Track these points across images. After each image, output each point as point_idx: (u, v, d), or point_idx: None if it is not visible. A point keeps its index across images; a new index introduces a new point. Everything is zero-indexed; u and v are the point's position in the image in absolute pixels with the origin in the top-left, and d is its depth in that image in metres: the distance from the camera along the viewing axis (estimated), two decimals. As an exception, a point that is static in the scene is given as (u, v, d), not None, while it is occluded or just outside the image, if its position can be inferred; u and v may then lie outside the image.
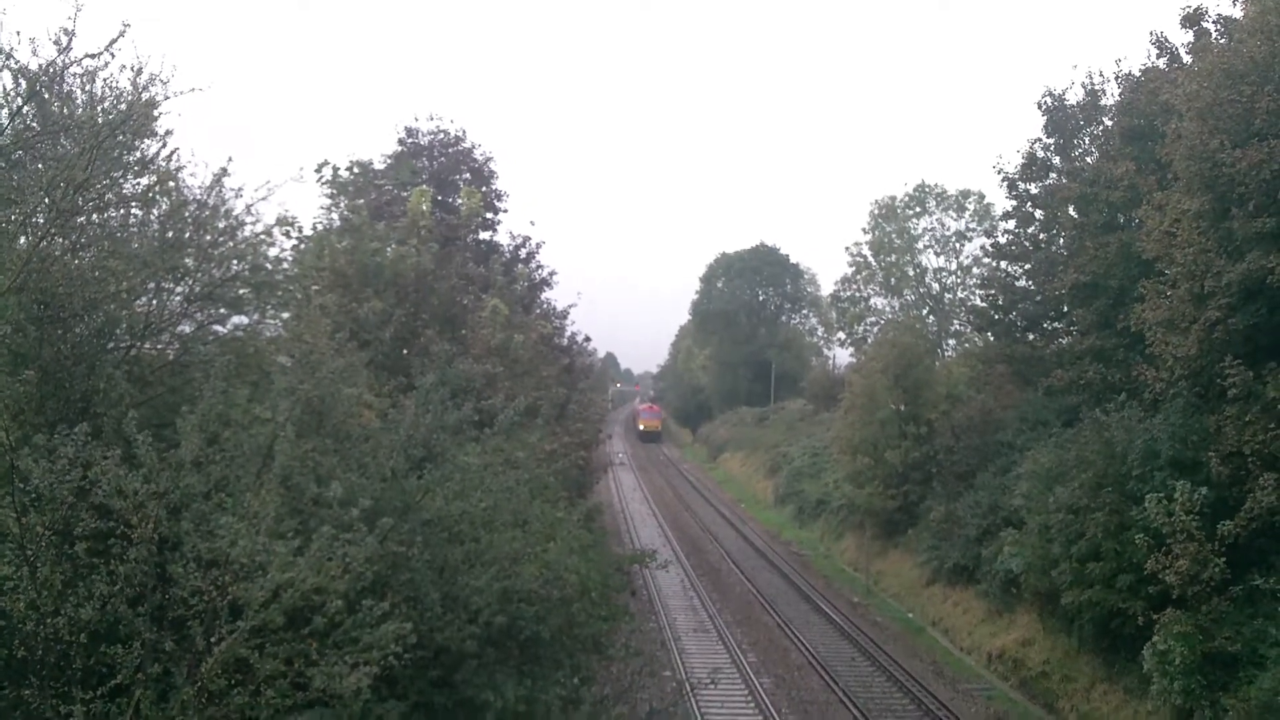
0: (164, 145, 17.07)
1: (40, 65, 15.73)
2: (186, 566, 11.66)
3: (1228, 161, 30.44)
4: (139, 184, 17.22)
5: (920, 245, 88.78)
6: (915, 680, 37.70)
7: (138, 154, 16.94)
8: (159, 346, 16.95)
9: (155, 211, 17.30)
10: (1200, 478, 30.40)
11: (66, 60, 15.72)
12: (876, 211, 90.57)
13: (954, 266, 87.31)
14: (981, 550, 44.24)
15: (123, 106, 16.15)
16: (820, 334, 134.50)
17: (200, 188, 17.54)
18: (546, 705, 15.16)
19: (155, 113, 16.57)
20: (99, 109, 16.18)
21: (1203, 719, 28.55)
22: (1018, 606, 40.54)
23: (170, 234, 16.77)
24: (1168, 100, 37.60)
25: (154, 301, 16.40)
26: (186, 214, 17.11)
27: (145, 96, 16.27)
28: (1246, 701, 27.17)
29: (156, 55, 16.86)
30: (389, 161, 47.66)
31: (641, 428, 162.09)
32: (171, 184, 17.26)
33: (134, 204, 17.24)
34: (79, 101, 16.58)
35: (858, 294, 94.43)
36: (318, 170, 37.82)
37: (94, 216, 16.37)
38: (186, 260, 16.74)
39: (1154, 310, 33.84)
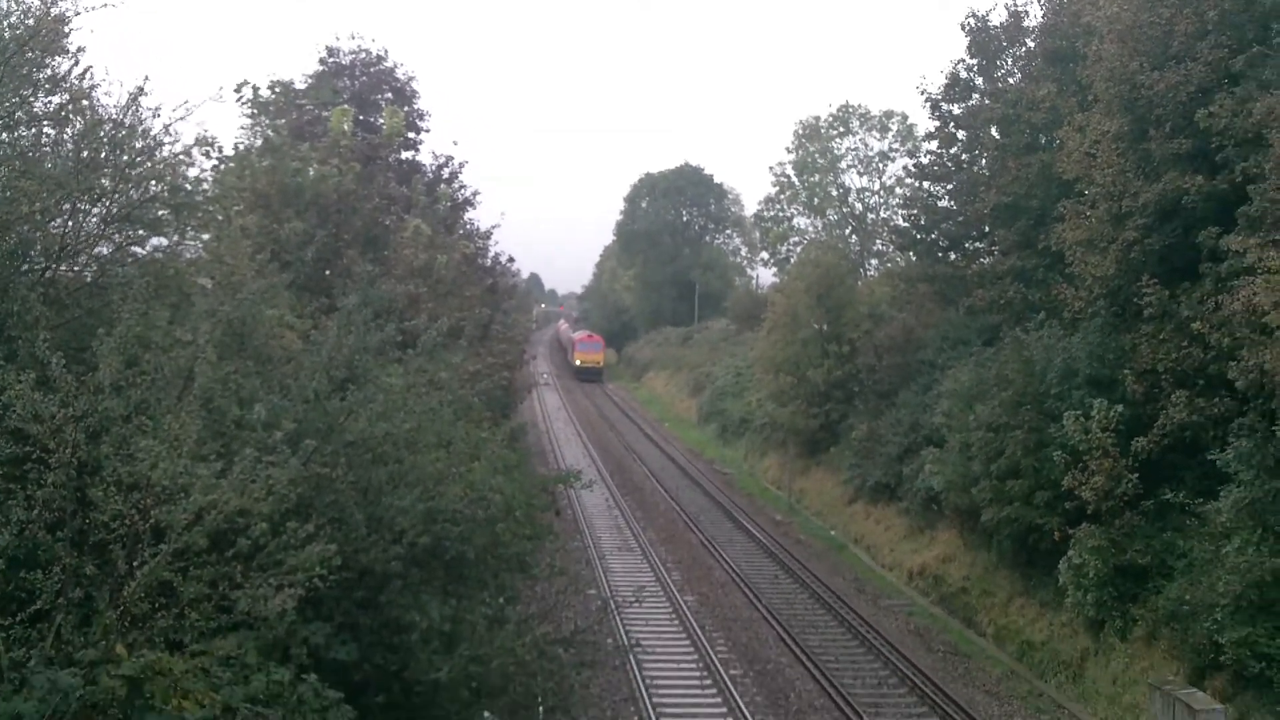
0: (76, 63, 16.62)
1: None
2: (107, 490, 11.51)
3: (1146, 84, 30.78)
4: (50, 102, 16.77)
5: (843, 165, 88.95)
6: (837, 596, 38.29)
7: (48, 71, 16.49)
8: (75, 269, 16.60)
9: (69, 131, 16.85)
10: (1116, 396, 31.03)
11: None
12: (800, 132, 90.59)
13: (877, 187, 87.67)
14: (903, 468, 44.86)
15: (30, 21, 15.70)
16: (744, 254, 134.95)
17: (116, 107, 17.09)
18: (472, 625, 15.19)
19: (66, 29, 16.13)
20: (5, 24, 15.71)
21: (1113, 629, 29.40)
22: (938, 524, 41.23)
23: (85, 154, 16.33)
24: (1089, 22, 37.87)
25: (69, 223, 16.01)
26: (102, 134, 16.66)
27: (54, 12, 15.84)
28: (1154, 611, 28.02)
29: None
30: (310, 81, 46.76)
31: (578, 363, 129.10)
32: (85, 103, 16.81)
33: (46, 123, 16.79)
34: (-16, 17, 16.10)
35: (781, 214, 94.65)
36: (237, 90, 37.03)
37: (4, 135, 15.95)
38: (103, 181, 16.32)
39: (1074, 230, 34.25)
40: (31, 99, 16.33)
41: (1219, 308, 27.58)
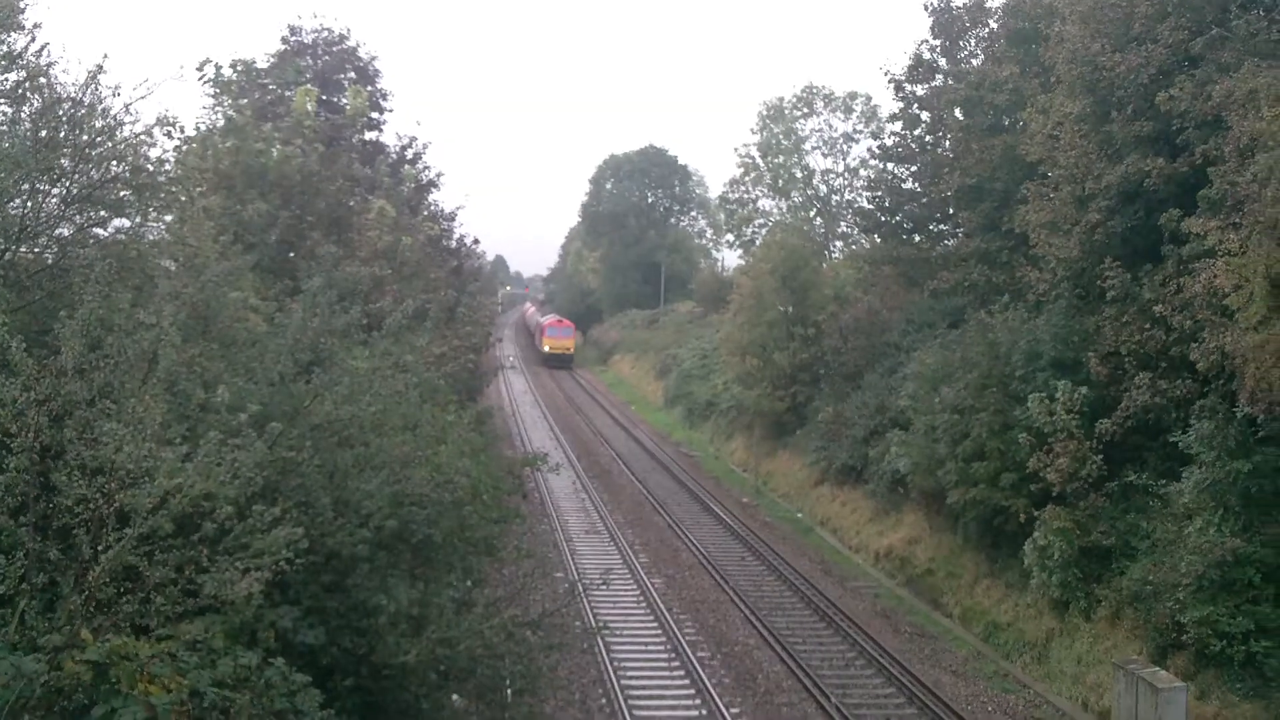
0: (33, 39, 16.42)
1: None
2: (70, 475, 11.40)
3: (1108, 65, 30.94)
4: (7, 80, 16.56)
5: (808, 147, 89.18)
6: (804, 579, 38.35)
7: (4, 48, 16.27)
8: (35, 250, 16.41)
9: (26, 109, 16.63)
10: (1080, 377, 31.23)
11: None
12: (765, 113, 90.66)
13: (841, 168, 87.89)
14: (869, 450, 44.92)
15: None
16: (709, 236, 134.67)
17: (74, 85, 16.87)
18: (439, 608, 15.19)
19: (21, 4, 15.93)
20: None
21: (1078, 609, 29.60)
22: (904, 506, 41.33)
23: (44, 133, 16.11)
24: (1051, 4, 38.12)
25: (28, 204, 15.81)
26: (60, 112, 16.44)
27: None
28: (1118, 591, 28.24)
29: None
30: (273, 61, 46.49)
31: (547, 349, 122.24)
32: (43, 80, 16.60)
33: (2, 101, 16.60)
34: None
35: (746, 196, 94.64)
36: (199, 69, 36.64)
37: (-44, 114, 15.77)
38: (62, 161, 16.11)
39: (1037, 212, 34.44)
40: (-15, 76, 16.14)
41: (1180, 290, 27.80)
